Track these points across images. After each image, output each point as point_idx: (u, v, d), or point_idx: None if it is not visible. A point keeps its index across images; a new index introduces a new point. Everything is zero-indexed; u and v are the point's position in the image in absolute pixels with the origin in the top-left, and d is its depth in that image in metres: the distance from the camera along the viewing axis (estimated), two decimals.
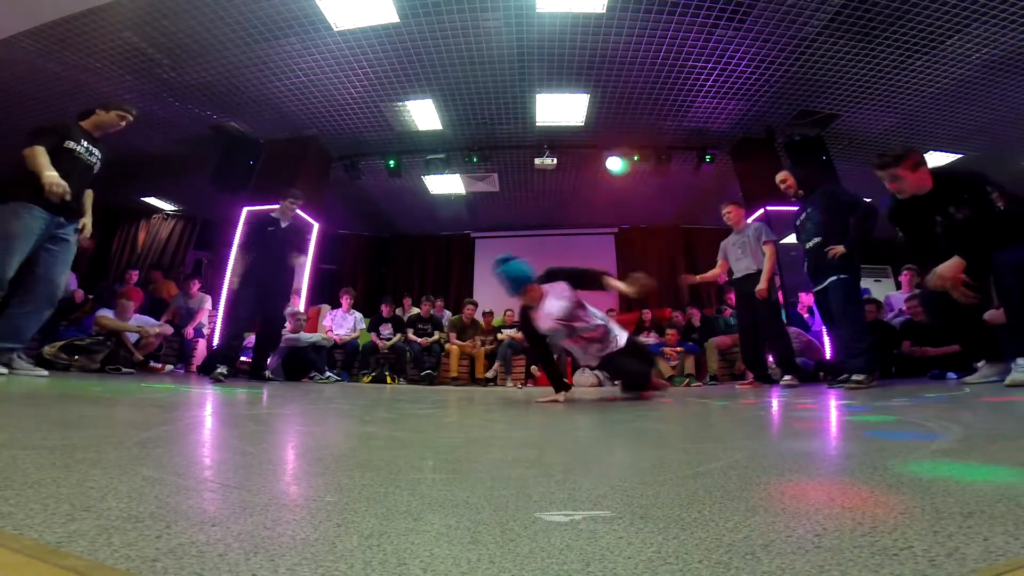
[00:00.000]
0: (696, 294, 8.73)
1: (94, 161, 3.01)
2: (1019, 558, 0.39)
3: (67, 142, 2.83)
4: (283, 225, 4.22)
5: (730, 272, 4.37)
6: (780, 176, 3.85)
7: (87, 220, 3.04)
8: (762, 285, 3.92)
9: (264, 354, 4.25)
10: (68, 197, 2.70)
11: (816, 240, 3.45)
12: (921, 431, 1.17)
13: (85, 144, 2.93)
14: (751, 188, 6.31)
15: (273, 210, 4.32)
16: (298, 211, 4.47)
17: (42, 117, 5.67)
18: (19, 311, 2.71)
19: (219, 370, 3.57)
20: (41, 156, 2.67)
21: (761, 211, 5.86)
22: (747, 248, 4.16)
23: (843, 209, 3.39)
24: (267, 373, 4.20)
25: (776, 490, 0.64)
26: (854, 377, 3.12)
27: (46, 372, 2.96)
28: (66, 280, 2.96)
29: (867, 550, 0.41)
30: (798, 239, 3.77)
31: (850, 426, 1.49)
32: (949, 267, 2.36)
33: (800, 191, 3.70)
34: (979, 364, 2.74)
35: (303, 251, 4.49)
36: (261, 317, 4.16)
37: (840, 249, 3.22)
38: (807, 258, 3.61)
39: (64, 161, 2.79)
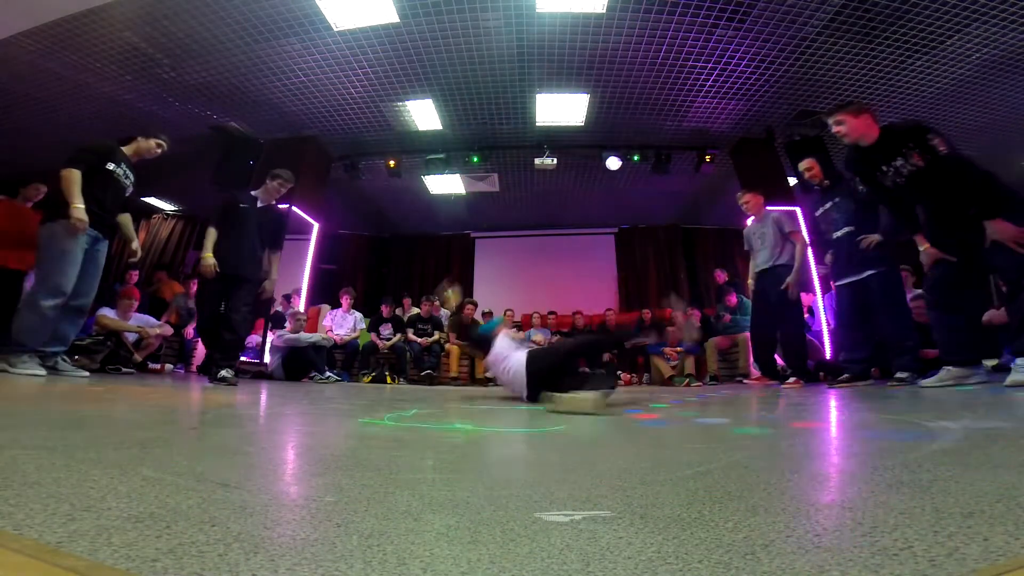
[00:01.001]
0: (696, 294, 8.73)
1: (128, 184, 3.21)
2: (1019, 558, 0.39)
3: (108, 163, 3.03)
4: (259, 205, 3.71)
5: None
6: (805, 164, 3.75)
7: (136, 245, 3.42)
8: (792, 280, 3.81)
9: (220, 346, 3.49)
10: (86, 230, 2.85)
11: (847, 229, 3.35)
12: (921, 431, 1.17)
13: (124, 168, 3.13)
14: (751, 188, 6.31)
15: (257, 189, 3.79)
16: (298, 211, 4.21)
17: (42, 117, 5.69)
18: (60, 319, 2.93)
19: (224, 374, 3.35)
20: (74, 184, 2.81)
21: (763, 204, 5.85)
22: (766, 239, 4.05)
23: (875, 200, 3.27)
24: (224, 373, 3.36)
25: (776, 490, 0.64)
26: (898, 375, 3.09)
27: (87, 374, 3.20)
28: (95, 291, 3.17)
29: (867, 550, 0.41)
30: (818, 229, 3.68)
31: (850, 426, 1.49)
32: (1009, 233, 2.30)
33: (825, 180, 3.62)
34: (943, 369, 2.68)
35: (278, 245, 3.80)
36: (224, 306, 3.54)
37: (875, 238, 3.14)
38: (833, 248, 3.51)
39: (103, 181, 3.00)
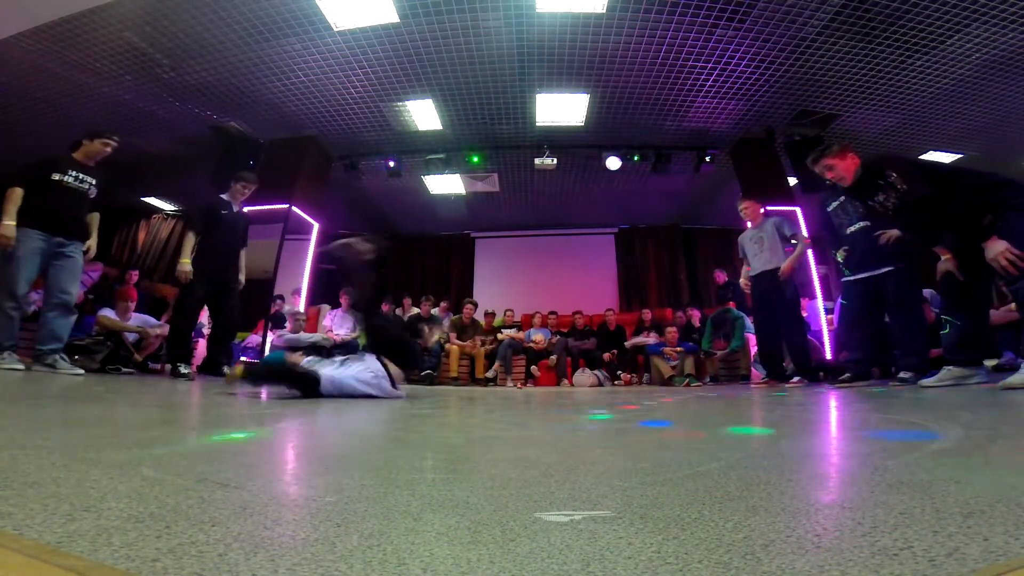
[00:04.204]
0: (696, 294, 8.73)
1: (86, 188, 3.31)
2: (1019, 558, 0.39)
3: (54, 175, 3.16)
4: (234, 210, 3.99)
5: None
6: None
7: (91, 242, 3.40)
8: (786, 266, 3.83)
9: (220, 348, 3.98)
10: (10, 247, 3.01)
11: (861, 224, 3.31)
12: (921, 431, 1.17)
13: (74, 173, 3.25)
14: (751, 188, 6.31)
15: (226, 193, 4.03)
16: (298, 211, 4.32)
17: (43, 117, 5.69)
18: (49, 317, 3.15)
19: (182, 369, 3.59)
20: (8, 202, 3.02)
21: (761, 211, 5.86)
22: (764, 243, 4.08)
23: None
24: (224, 370, 3.88)
25: (776, 490, 0.64)
26: (901, 375, 3.07)
27: (83, 371, 3.31)
28: (77, 290, 3.33)
29: (867, 550, 0.41)
30: (831, 224, 3.62)
31: (850, 426, 1.49)
32: (998, 250, 2.31)
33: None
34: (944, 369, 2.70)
35: (245, 244, 4.10)
36: (211, 308, 3.94)
37: (894, 233, 3.05)
38: (848, 243, 3.46)
39: (53, 192, 3.16)
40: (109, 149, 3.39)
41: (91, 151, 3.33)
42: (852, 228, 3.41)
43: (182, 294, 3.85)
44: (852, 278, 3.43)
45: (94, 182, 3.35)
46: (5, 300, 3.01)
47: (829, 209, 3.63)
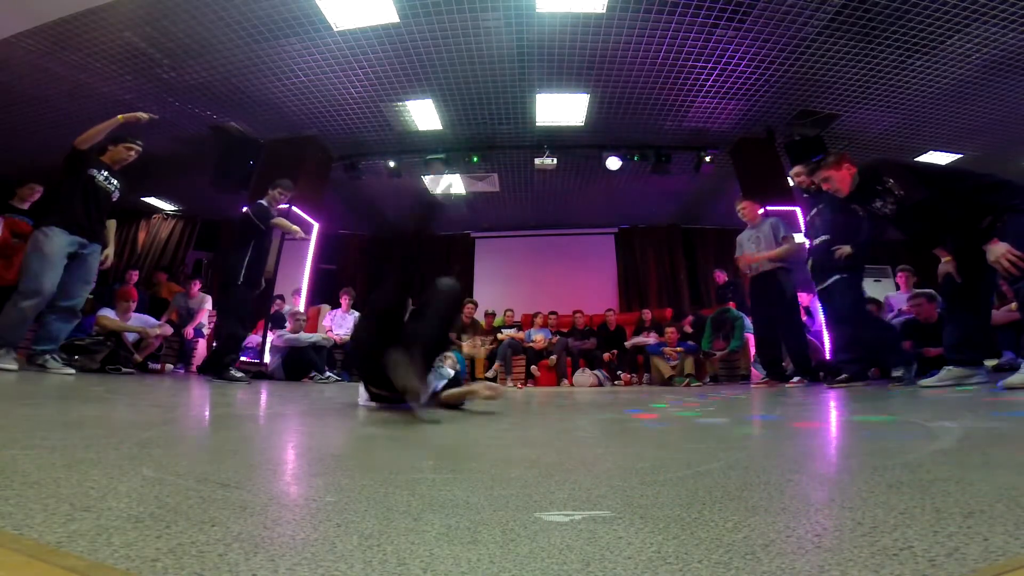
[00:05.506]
0: (696, 296, 8.73)
1: (112, 189, 3.36)
2: (1019, 558, 0.39)
3: (90, 169, 3.22)
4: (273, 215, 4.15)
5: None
6: (795, 170, 3.86)
7: (109, 251, 3.45)
8: (765, 255, 3.92)
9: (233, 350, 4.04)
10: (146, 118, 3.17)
11: (823, 238, 3.43)
12: (921, 431, 1.17)
13: (105, 174, 3.32)
14: (751, 188, 6.31)
15: (264, 198, 4.18)
16: (298, 211, 4.38)
17: (42, 117, 5.69)
18: (51, 319, 3.14)
19: (237, 374, 3.71)
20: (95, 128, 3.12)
21: (761, 211, 5.87)
22: (761, 244, 4.12)
23: (855, 210, 3.38)
24: (233, 372, 3.92)
25: (776, 490, 0.64)
26: (893, 373, 3.25)
27: (73, 371, 3.27)
28: (86, 295, 3.32)
29: (867, 550, 0.41)
30: (806, 235, 3.78)
31: (850, 426, 1.49)
32: (999, 252, 2.29)
33: (812, 185, 3.62)
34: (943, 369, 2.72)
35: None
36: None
37: (847, 250, 3.23)
38: (811, 255, 3.60)
39: (86, 186, 3.19)
40: (133, 154, 3.42)
41: (116, 155, 3.37)
42: (816, 240, 3.54)
43: (236, 301, 3.93)
44: (818, 288, 3.59)
45: (119, 185, 3.39)
46: (23, 299, 2.95)
47: (807, 219, 3.76)
